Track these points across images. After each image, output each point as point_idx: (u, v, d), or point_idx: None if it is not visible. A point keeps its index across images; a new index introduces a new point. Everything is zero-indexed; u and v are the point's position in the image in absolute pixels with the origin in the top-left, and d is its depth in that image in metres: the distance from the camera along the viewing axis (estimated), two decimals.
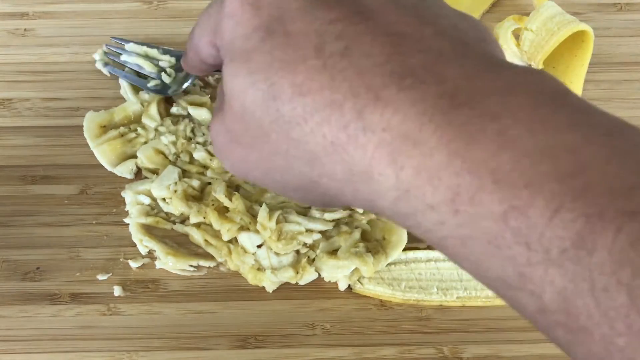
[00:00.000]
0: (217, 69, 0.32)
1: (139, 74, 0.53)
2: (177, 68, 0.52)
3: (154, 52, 0.53)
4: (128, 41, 0.54)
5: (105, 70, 0.55)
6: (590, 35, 0.52)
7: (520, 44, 0.51)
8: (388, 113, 0.22)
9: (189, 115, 0.52)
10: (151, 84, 0.52)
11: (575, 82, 0.54)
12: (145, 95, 0.52)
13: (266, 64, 0.25)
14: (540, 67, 0.51)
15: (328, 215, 0.47)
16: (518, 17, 0.53)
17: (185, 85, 0.51)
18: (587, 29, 0.52)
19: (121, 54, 0.54)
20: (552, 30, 0.51)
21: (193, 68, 0.36)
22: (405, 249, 0.47)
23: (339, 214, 0.47)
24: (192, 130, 0.51)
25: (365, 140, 0.23)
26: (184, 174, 0.50)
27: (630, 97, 0.56)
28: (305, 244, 0.46)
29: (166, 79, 0.52)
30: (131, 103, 0.52)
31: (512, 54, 0.51)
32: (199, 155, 0.50)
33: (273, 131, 0.25)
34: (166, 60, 0.53)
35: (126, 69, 0.53)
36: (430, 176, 0.21)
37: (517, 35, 0.52)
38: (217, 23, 0.28)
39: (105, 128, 0.51)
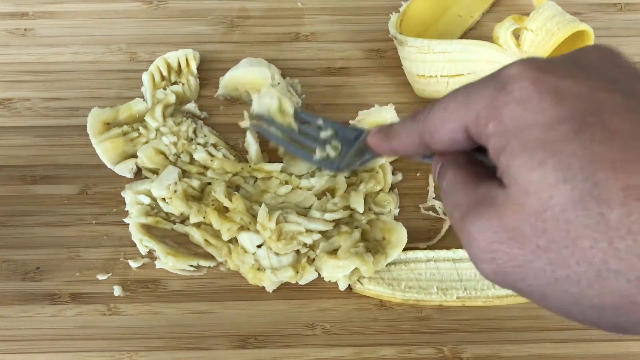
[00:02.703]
0: (429, 155, 0.30)
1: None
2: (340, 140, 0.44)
3: (316, 123, 0.45)
4: (314, 117, 0.46)
5: (252, 134, 0.51)
6: (590, 35, 0.52)
7: (520, 44, 0.51)
8: None
9: (191, 117, 0.52)
10: (318, 156, 0.44)
11: None
12: (161, 95, 0.52)
13: (586, 160, 0.22)
14: None
15: (328, 216, 0.47)
16: (518, 17, 0.53)
17: (363, 161, 0.42)
18: (587, 29, 0.52)
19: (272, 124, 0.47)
20: (552, 30, 0.51)
21: (398, 149, 0.31)
22: (405, 249, 0.47)
23: (339, 214, 0.47)
24: (194, 131, 0.51)
25: None
26: (184, 174, 0.50)
27: None
28: (305, 244, 0.46)
29: (331, 152, 0.46)
30: (137, 102, 0.52)
31: (512, 54, 0.51)
32: (200, 156, 0.50)
33: (586, 237, 0.21)
34: (328, 133, 0.45)
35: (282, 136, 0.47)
36: None
37: (517, 35, 0.52)
38: (492, 107, 0.25)
39: (108, 125, 0.51)
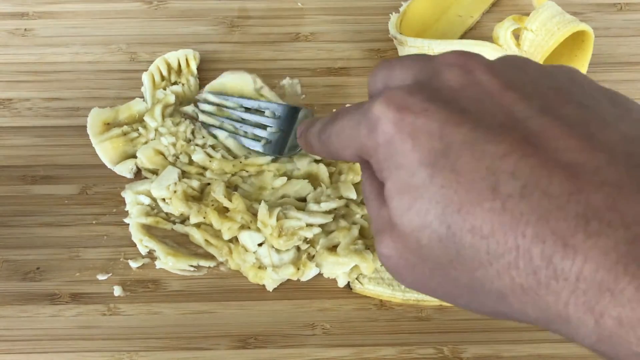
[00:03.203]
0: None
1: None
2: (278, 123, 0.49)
3: (259, 106, 0.51)
4: (227, 96, 0.51)
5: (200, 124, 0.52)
6: (590, 35, 0.52)
7: (520, 44, 0.51)
8: (579, 261, 0.22)
9: (189, 117, 0.53)
10: (263, 142, 0.49)
11: None
12: (160, 95, 0.52)
13: (439, 205, 0.24)
14: None
15: (324, 205, 0.47)
16: (518, 17, 0.53)
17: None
18: (587, 29, 0.52)
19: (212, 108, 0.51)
20: (551, 30, 0.51)
21: (317, 154, 0.36)
22: None
23: (335, 203, 0.48)
24: (192, 132, 0.51)
25: (559, 287, 0.22)
26: (184, 174, 0.50)
27: (631, 97, 0.56)
28: (305, 240, 0.46)
29: (272, 136, 0.48)
30: (137, 102, 0.52)
31: (512, 54, 0.51)
32: (198, 157, 0.50)
33: (453, 268, 0.25)
34: (271, 118, 0.49)
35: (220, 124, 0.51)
36: (634, 327, 0.21)
37: (517, 35, 0.52)
38: (369, 145, 0.28)
39: (109, 125, 0.51)
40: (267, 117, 0.50)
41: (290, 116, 0.49)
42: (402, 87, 0.27)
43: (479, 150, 0.24)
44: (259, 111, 0.51)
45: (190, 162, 0.50)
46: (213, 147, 0.51)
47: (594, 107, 0.26)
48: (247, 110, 0.51)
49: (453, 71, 0.27)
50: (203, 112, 0.52)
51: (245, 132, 0.51)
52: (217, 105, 0.52)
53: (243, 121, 0.51)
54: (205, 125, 0.51)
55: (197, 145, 0.51)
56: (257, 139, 0.50)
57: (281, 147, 0.47)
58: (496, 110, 0.25)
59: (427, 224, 0.25)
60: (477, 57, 0.28)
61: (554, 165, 0.23)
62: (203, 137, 0.51)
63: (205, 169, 0.50)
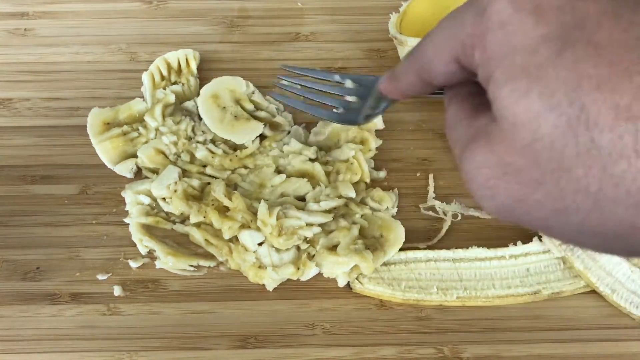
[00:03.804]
0: (440, 90, 0.28)
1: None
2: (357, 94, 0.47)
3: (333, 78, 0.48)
4: (305, 69, 0.48)
5: (275, 101, 0.52)
6: None
7: None
8: None
9: (189, 115, 0.53)
10: (340, 111, 0.44)
11: None
12: (160, 94, 0.53)
13: (571, 82, 0.20)
14: None
15: (324, 204, 0.47)
16: None
17: (381, 109, 0.46)
18: None
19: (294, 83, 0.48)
20: None
21: (406, 91, 0.30)
22: (405, 249, 0.47)
23: (335, 202, 0.48)
24: (193, 130, 0.51)
25: None
26: (184, 173, 0.50)
27: None
28: (305, 239, 0.46)
29: (354, 104, 0.47)
30: (137, 102, 0.52)
31: None
32: (201, 154, 0.50)
33: (579, 166, 0.20)
34: (350, 85, 0.46)
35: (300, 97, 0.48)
36: None
37: None
38: (474, 34, 0.23)
39: (108, 125, 0.51)
40: (348, 87, 0.48)
41: (371, 86, 0.46)
42: None
43: (623, 20, 0.20)
44: (339, 83, 0.48)
45: (192, 161, 0.50)
46: (213, 141, 0.51)
47: None
48: (325, 82, 0.49)
49: None
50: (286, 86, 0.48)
51: (322, 103, 0.48)
52: (300, 76, 0.49)
53: (323, 93, 0.48)
54: (283, 98, 0.48)
55: (198, 142, 0.51)
56: (333, 108, 0.47)
57: (356, 116, 0.46)
58: None
59: (553, 106, 0.20)
60: None
61: None
62: (203, 133, 0.51)
63: (205, 166, 0.50)
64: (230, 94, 0.53)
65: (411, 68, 0.28)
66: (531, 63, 0.21)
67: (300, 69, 0.48)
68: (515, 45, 0.22)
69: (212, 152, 0.50)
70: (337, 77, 0.45)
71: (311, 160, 0.50)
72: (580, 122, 0.20)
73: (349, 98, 0.44)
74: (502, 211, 0.23)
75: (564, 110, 0.20)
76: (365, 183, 0.50)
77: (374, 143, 0.51)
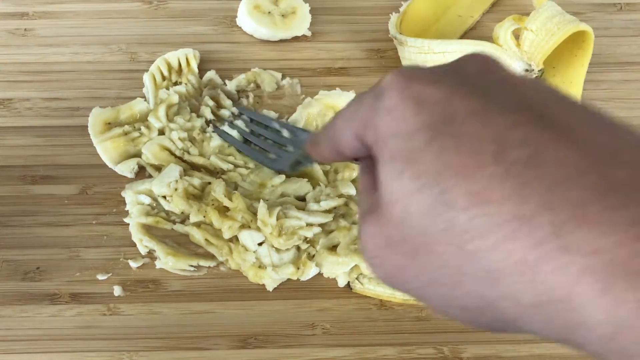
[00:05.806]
0: (353, 160, 0.31)
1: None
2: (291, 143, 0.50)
3: (273, 126, 0.52)
4: (253, 113, 0.53)
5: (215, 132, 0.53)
6: (590, 35, 0.52)
7: (520, 44, 0.51)
8: (596, 233, 0.19)
9: (210, 88, 0.54)
10: (272, 156, 0.50)
11: (575, 82, 0.54)
12: (163, 95, 0.53)
13: (436, 168, 0.22)
14: (540, 67, 0.51)
15: (324, 204, 0.47)
16: (518, 17, 0.53)
17: (305, 164, 0.48)
18: (587, 29, 0.52)
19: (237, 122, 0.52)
20: (552, 30, 0.51)
21: (323, 157, 0.33)
22: None
23: (335, 202, 0.48)
24: (207, 122, 0.53)
25: (566, 262, 0.20)
26: (185, 172, 0.50)
27: (630, 97, 0.56)
28: (305, 239, 0.46)
29: (289, 151, 0.49)
30: (138, 102, 0.52)
31: (512, 54, 0.51)
32: (215, 143, 0.51)
33: (441, 243, 0.22)
34: (285, 135, 0.51)
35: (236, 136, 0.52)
36: None
37: (517, 35, 0.52)
38: (369, 116, 0.26)
39: (109, 125, 0.51)
40: (285, 137, 0.50)
41: (304, 140, 0.49)
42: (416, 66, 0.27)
43: (487, 119, 0.22)
44: (278, 131, 0.51)
45: (201, 154, 0.50)
46: (238, 115, 0.53)
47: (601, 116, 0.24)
48: (266, 129, 0.52)
49: (471, 59, 0.26)
50: (231, 125, 0.52)
51: (259, 147, 0.51)
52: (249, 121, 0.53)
53: (264, 139, 0.51)
54: (224, 134, 0.52)
55: (221, 119, 0.52)
56: (267, 153, 0.51)
57: (285, 165, 0.49)
58: (510, 92, 0.24)
59: (419, 187, 0.22)
60: (491, 56, 0.27)
61: (569, 140, 0.21)
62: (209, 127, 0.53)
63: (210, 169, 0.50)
64: None
65: (326, 138, 0.31)
66: (407, 147, 0.23)
67: (248, 112, 0.53)
68: (397, 130, 0.24)
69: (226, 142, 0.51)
70: (276, 125, 0.49)
71: None
72: (442, 203, 0.22)
73: (287, 148, 0.48)
74: (387, 278, 0.26)
75: (428, 191, 0.22)
76: None
77: None
